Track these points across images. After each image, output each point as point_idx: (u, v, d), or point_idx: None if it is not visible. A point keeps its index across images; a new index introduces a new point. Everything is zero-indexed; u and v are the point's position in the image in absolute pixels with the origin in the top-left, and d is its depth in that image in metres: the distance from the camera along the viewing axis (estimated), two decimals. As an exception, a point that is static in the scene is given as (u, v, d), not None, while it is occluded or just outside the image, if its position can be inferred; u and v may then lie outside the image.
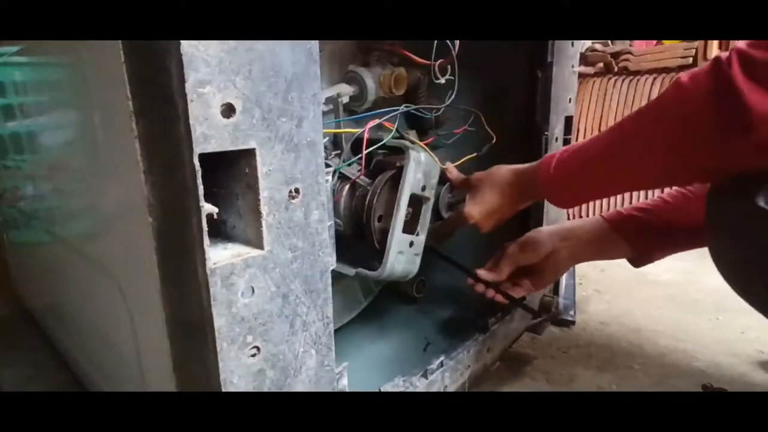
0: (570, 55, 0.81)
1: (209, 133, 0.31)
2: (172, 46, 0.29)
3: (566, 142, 0.84)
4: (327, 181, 0.40)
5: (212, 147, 0.31)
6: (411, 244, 0.64)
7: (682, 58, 1.64)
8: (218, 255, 0.33)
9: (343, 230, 0.67)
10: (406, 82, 0.73)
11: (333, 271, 0.41)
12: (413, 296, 0.88)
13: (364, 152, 0.64)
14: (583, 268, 1.28)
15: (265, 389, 0.37)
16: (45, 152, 0.66)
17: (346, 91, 0.69)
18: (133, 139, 0.35)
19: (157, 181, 0.35)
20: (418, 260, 0.67)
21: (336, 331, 0.44)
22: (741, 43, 0.44)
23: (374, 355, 0.76)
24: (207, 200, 0.32)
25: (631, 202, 1.58)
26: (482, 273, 0.73)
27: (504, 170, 0.68)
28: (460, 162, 0.75)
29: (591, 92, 1.81)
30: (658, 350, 0.90)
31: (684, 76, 0.48)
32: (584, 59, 1.83)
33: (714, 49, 1.62)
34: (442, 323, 0.85)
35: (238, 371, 0.35)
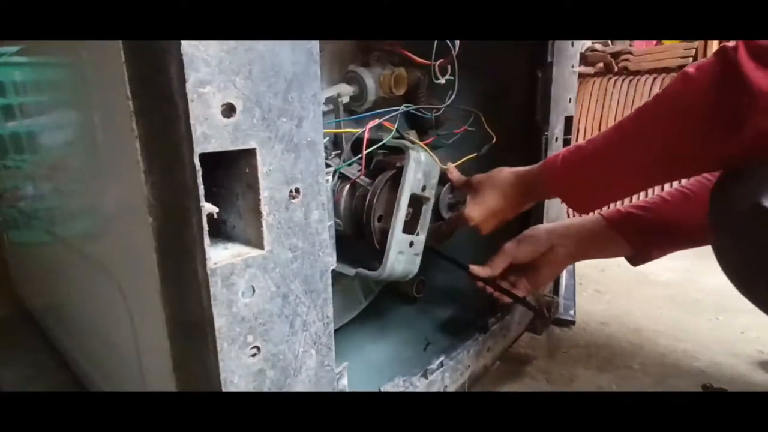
0: (570, 55, 0.81)
1: (209, 132, 0.31)
2: (172, 46, 0.29)
3: (566, 142, 0.84)
4: (327, 181, 0.40)
5: (212, 147, 0.31)
6: (411, 244, 0.64)
7: (682, 58, 1.64)
8: (218, 255, 0.33)
9: (343, 230, 0.67)
10: (406, 82, 0.73)
11: (333, 271, 0.41)
12: (413, 296, 0.88)
13: (365, 152, 0.64)
14: (583, 268, 1.28)
15: (265, 389, 0.37)
16: (45, 152, 0.66)
17: (346, 91, 0.69)
18: (133, 139, 0.35)
19: (158, 181, 0.35)
20: (418, 260, 0.67)
21: (336, 331, 0.44)
22: None
23: (374, 355, 0.76)
24: (207, 200, 0.32)
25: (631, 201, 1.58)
26: (475, 269, 0.73)
27: (505, 172, 0.68)
28: (460, 162, 0.75)
29: (591, 92, 1.81)
30: (658, 350, 0.90)
31: (690, 67, 0.49)
32: (584, 59, 1.83)
33: (714, 49, 1.62)
34: (442, 323, 0.85)
35: (239, 371, 0.35)
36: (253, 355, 0.35)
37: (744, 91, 0.43)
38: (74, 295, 0.68)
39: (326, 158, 0.62)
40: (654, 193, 1.55)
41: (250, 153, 0.33)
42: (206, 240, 0.31)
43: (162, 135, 0.33)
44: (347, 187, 0.67)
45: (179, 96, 0.30)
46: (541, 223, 0.81)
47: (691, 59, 1.62)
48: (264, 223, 0.34)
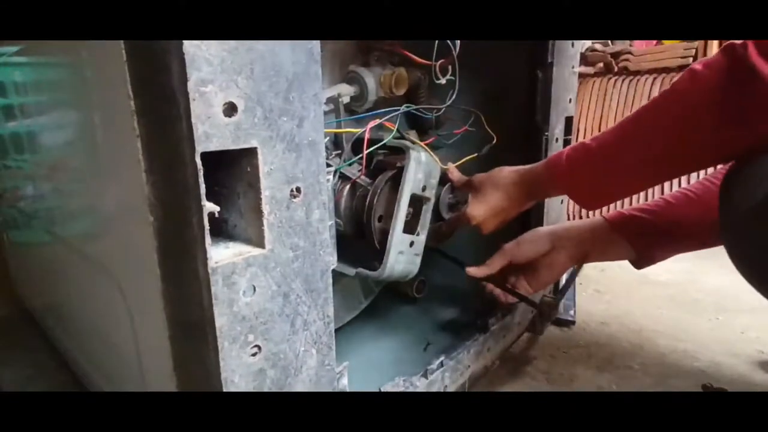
0: (570, 55, 0.81)
1: (211, 132, 0.31)
2: (173, 46, 0.29)
3: (566, 142, 0.84)
4: (328, 180, 0.40)
5: (214, 146, 0.31)
6: (411, 244, 0.65)
7: (682, 58, 1.65)
8: (219, 254, 0.33)
9: (343, 230, 0.67)
10: (406, 83, 0.73)
11: (333, 270, 0.41)
12: (413, 296, 0.89)
13: (365, 152, 0.64)
14: (583, 268, 1.28)
15: (266, 389, 0.37)
16: (45, 152, 0.66)
17: (346, 91, 0.69)
18: (134, 138, 0.35)
19: (159, 181, 0.35)
20: (418, 260, 0.67)
21: (336, 330, 0.44)
22: None
23: (374, 355, 0.76)
24: (208, 199, 0.32)
25: (631, 204, 1.58)
26: (471, 270, 0.73)
27: (507, 171, 0.68)
28: (460, 162, 0.75)
29: (591, 92, 1.81)
30: (658, 350, 0.90)
31: (697, 64, 0.49)
32: (584, 59, 1.83)
33: (714, 49, 1.62)
34: (442, 323, 0.85)
35: (239, 370, 0.35)
36: (254, 355, 0.35)
37: (755, 87, 0.43)
38: (74, 295, 0.68)
39: (327, 158, 0.62)
40: (655, 194, 1.56)
41: (252, 152, 0.33)
42: (207, 239, 0.32)
43: (163, 134, 0.33)
44: (348, 187, 0.67)
45: (181, 95, 0.30)
46: (542, 224, 0.81)
47: (691, 59, 1.62)
48: (265, 223, 0.34)
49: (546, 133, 0.80)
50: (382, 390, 0.60)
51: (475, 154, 0.77)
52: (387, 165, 0.68)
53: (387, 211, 0.64)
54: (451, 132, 0.80)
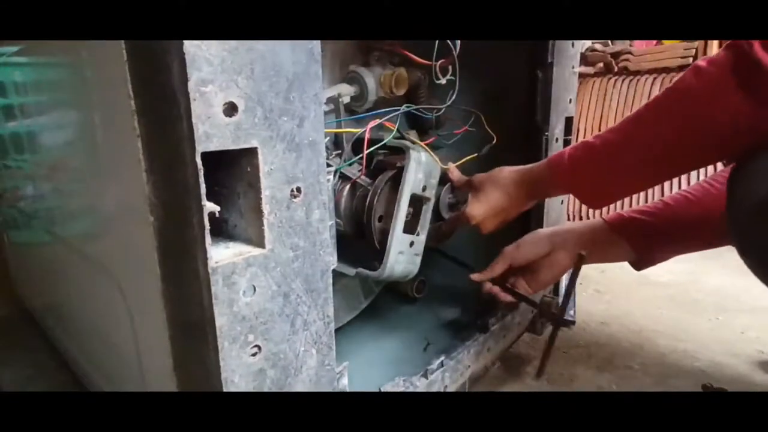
0: (570, 55, 0.81)
1: (211, 132, 0.31)
2: (174, 46, 0.29)
3: (566, 142, 0.84)
4: (328, 180, 0.40)
5: (214, 146, 0.31)
6: (411, 244, 0.65)
7: (682, 58, 1.65)
8: (220, 254, 0.33)
9: (343, 230, 0.67)
10: (406, 83, 0.73)
11: (333, 270, 0.41)
12: (413, 296, 0.89)
13: (365, 152, 0.64)
14: (583, 268, 1.28)
15: (266, 389, 0.37)
16: (45, 152, 0.66)
17: (346, 91, 0.69)
18: (134, 138, 0.35)
19: (159, 180, 0.35)
20: (418, 260, 0.67)
21: (336, 330, 0.44)
22: None
23: (374, 355, 0.76)
24: (208, 199, 0.32)
25: (631, 205, 1.58)
26: (475, 276, 0.73)
27: (507, 171, 0.68)
28: (460, 162, 0.75)
29: (591, 92, 1.81)
30: (658, 350, 0.90)
31: (701, 61, 0.50)
32: (584, 59, 1.83)
33: (714, 49, 1.63)
34: (442, 323, 0.85)
35: (239, 370, 0.35)
36: (254, 355, 0.35)
37: (760, 81, 0.44)
38: (74, 295, 0.68)
39: (327, 158, 0.62)
40: (655, 196, 1.56)
41: (252, 152, 0.33)
42: (207, 239, 0.32)
43: (163, 134, 0.33)
44: (348, 187, 0.67)
45: (181, 95, 0.30)
46: (542, 225, 0.81)
47: (691, 59, 1.62)
48: (265, 222, 0.34)
49: (546, 133, 0.80)
50: (382, 390, 0.60)
51: (475, 154, 0.77)
52: (387, 165, 0.68)
53: (387, 211, 0.65)
54: (451, 132, 0.80)
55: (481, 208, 0.67)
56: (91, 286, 0.59)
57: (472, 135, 0.79)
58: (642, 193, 1.60)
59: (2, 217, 1.02)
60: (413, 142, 0.65)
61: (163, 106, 0.32)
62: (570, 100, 0.84)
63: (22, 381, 0.82)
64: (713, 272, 1.26)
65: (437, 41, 0.66)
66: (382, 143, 0.65)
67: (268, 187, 0.34)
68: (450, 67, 0.69)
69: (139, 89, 0.34)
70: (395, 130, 0.66)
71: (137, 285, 0.44)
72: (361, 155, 0.65)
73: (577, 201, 1.74)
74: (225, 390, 0.34)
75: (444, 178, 0.71)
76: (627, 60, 1.76)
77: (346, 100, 0.69)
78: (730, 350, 0.89)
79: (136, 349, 0.48)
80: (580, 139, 1.74)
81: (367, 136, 0.64)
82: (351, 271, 0.66)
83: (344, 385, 0.46)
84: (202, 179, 0.31)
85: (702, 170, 1.47)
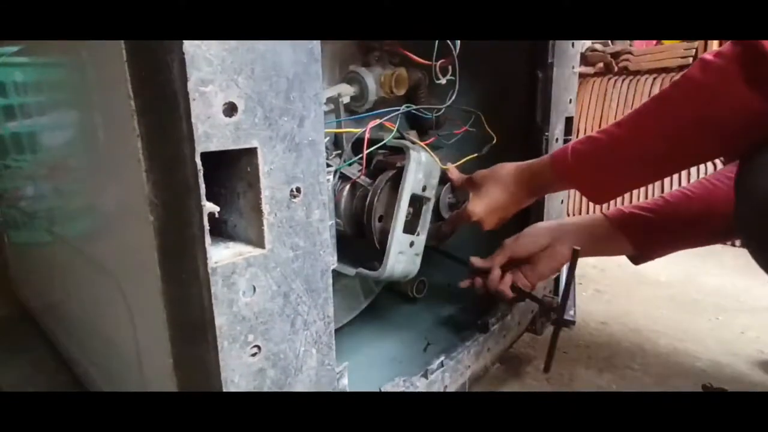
0: (570, 55, 0.81)
1: (211, 132, 0.31)
2: (174, 46, 0.29)
3: (566, 142, 0.84)
4: (328, 180, 0.40)
5: (214, 146, 0.31)
6: (411, 244, 0.65)
7: (682, 58, 1.65)
8: (219, 254, 0.33)
9: (343, 230, 0.67)
10: (406, 83, 0.73)
11: (333, 270, 0.41)
12: (413, 296, 0.89)
13: (365, 152, 0.64)
14: (583, 268, 1.28)
15: (266, 389, 0.37)
16: (45, 152, 0.66)
17: (346, 91, 0.69)
18: (134, 138, 0.35)
19: (159, 180, 0.35)
20: (418, 260, 0.67)
21: (336, 330, 0.44)
22: None
23: (374, 354, 0.76)
24: (208, 199, 0.32)
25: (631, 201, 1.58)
26: (475, 260, 0.73)
27: (509, 167, 0.68)
28: (460, 162, 0.75)
29: (591, 92, 1.81)
30: (658, 350, 0.90)
31: (707, 55, 0.50)
32: (584, 59, 1.83)
33: (714, 49, 1.62)
34: (442, 323, 0.85)
35: (239, 370, 0.35)
36: (254, 355, 0.35)
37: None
38: (74, 295, 0.68)
39: (327, 158, 0.62)
40: (655, 192, 1.56)
41: (252, 152, 0.33)
42: (207, 239, 0.32)
43: (163, 134, 0.33)
44: (348, 187, 0.67)
45: (181, 95, 0.30)
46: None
47: (691, 59, 1.62)
48: (265, 223, 0.34)
49: (546, 133, 0.80)
50: (382, 390, 0.60)
51: (475, 154, 0.77)
52: (387, 165, 0.68)
53: (387, 211, 0.64)
54: (451, 132, 0.80)
55: (482, 205, 0.67)
56: (91, 286, 0.59)
57: (472, 135, 0.79)
58: (642, 190, 1.61)
59: (2, 217, 1.02)
60: (413, 142, 0.65)
61: (163, 106, 0.32)
62: (570, 100, 0.84)
63: (22, 381, 0.82)
64: (713, 272, 1.26)
65: (437, 41, 0.66)
66: (382, 143, 0.65)
67: (267, 187, 0.34)
68: (450, 67, 0.69)
69: (138, 89, 0.34)
70: (395, 130, 0.66)
71: (137, 285, 0.44)
72: (361, 155, 0.65)
73: (576, 199, 1.75)
74: (225, 390, 0.34)
75: (444, 178, 0.71)
76: (627, 60, 1.76)
77: (346, 100, 0.69)
78: (730, 350, 0.89)
79: (136, 349, 0.48)
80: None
81: (367, 136, 0.64)
82: (351, 271, 0.66)
83: (344, 385, 0.45)
84: (201, 179, 0.31)
85: (702, 170, 1.47)
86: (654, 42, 1.86)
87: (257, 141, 0.33)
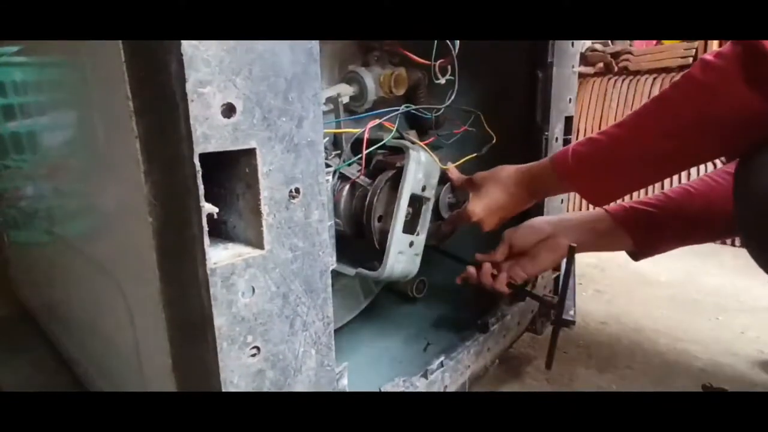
0: (570, 55, 0.81)
1: (210, 133, 0.31)
2: (172, 46, 0.29)
3: (566, 142, 0.84)
4: (327, 181, 0.40)
5: (213, 147, 0.31)
6: (411, 244, 0.65)
7: (682, 58, 1.65)
8: (218, 255, 0.33)
9: (343, 230, 0.67)
10: (406, 83, 0.73)
11: (333, 271, 0.41)
12: (413, 296, 0.88)
13: (364, 152, 0.64)
14: (583, 268, 1.28)
15: (265, 389, 0.37)
16: (45, 152, 0.66)
17: (346, 91, 0.69)
18: (133, 138, 0.35)
19: (158, 181, 0.35)
20: (418, 260, 0.67)
21: (336, 331, 0.43)
22: None
23: (374, 355, 0.76)
24: (207, 200, 0.32)
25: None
26: (479, 256, 0.73)
27: (509, 169, 0.68)
28: (460, 162, 0.75)
29: (591, 92, 1.81)
30: (658, 350, 0.90)
31: (707, 55, 0.50)
32: (584, 59, 1.83)
33: (714, 48, 1.62)
34: (443, 323, 0.85)
35: (238, 371, 0.35)
36: (253, 355, 0.35)
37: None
38: (74, 295, 0.68)
39: (326, 158, 0.62)
40: (655, 191, 1.56)
41: (250, 153, 0.33)
42: (206, 240, 0.31)
43: (162, 135, 0.33)
44: (347, 187, 0.67)
45: (179, 96, 0.30)
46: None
47: (691, 59, 1.62)
48: (264, 223, 0.34)
49: (546, 133, 0.80)
50: (382, 390, 0.60)
51: (475, 154, 0.77)
52: (386, 165, 0.68)
53: (387, 211, 0.64)
54: (450, 132, 0.80)
55: (481, 205, 0.68)
56: (91, 287, 0.59)
57: (472, 135, 0.79)
58: (642, 191, 1.61)
59: (2, 217, 1.02)
60: (413, 142, 0.65)
61: (162, 107, 0.32)
62: (570, 100, 0.83)
63: (22, 381, 0.82)
64: (713, 272, 1.26)
65: (437, 41, 0.66)
66: (382, 143, 0.65)
67: (266, 187, 0.34)
68: (449, 67, 0.69)
69: (137, 90, 0.34)
70: (394, 130, 0.66)
71: (137, 285, 0.44)
72: (360, 155, 0.65)
73: (576, 201, 1.74)
74: (224, 390, 0.34)
75: (444, 178, 0.71)
76: (627, 60, 1.76)
77: (346, 100, 0.69)
78: (730, 350, 0.89)
79: (135, 349, 0.48)
80: (581, 138, 1.74)
81: (366, 136, 0.64)
82: (351, 271, 0.66)
83: (344, 385, 0.45)
84: (200, 180, 0.31)
85: (702, 168, 1.47)
86: (654, 42, 1.86)
87: (256, 142, 0.33)
